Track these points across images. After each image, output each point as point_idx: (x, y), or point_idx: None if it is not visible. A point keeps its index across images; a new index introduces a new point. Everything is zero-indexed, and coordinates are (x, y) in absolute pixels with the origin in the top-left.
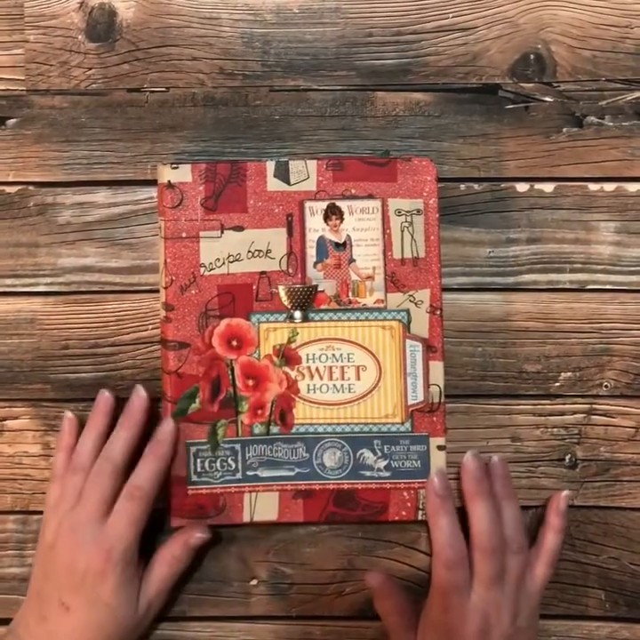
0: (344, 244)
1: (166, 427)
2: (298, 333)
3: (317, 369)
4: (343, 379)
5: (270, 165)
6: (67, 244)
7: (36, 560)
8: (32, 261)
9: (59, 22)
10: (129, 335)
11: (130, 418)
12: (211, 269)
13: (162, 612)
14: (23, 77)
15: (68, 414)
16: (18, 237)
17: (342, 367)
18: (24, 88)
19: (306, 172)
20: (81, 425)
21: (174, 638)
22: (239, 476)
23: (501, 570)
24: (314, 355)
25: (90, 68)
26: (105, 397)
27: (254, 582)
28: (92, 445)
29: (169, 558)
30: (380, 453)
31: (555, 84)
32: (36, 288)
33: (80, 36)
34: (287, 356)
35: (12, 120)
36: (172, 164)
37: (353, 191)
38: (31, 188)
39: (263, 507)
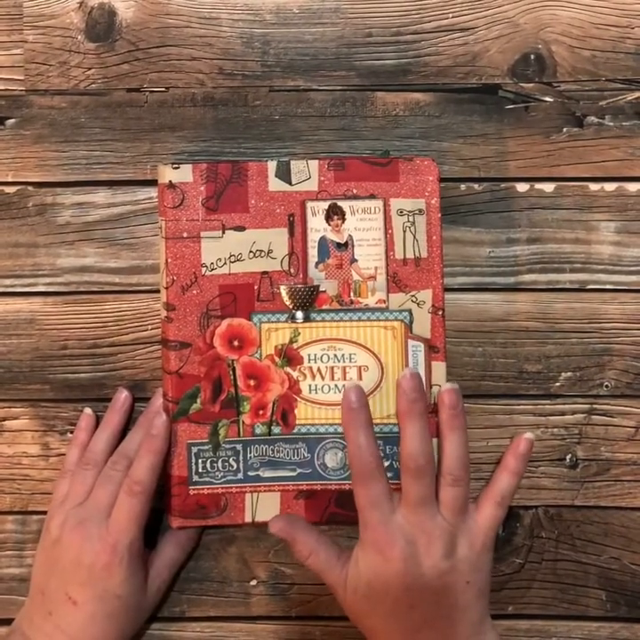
0: (346, 244)
1: (158, 420)
2: (299, 333)
3: (319, 369)
4: (345, 379)
5: (272, 165)
6: (66, 245)
7: (39, 556)
8: (31, 261)
9: (58, 22)
10: (128, 335)
11: (148, 418)
12: (212, 269)
13: (162, 612)
14: (22, 77)
15: (87, 410)
16: (17, 238)
17: (344, 367)
18: (23, 88)
19: (307, 172)
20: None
21: (174, 638)
22: (240, 476)
23: (429, 494)
24: (315, 355)
25: (89, 68)
26: (123, 396)
27: (254, 583)
28: (105, 443)
29: (183, 538)
30: (382, 454)
31: (555, 84)
32: (35, 288)
33: (79, 36)
34: (289, 356)
35: (11, 120)
36: (172, 164)
37: (355, 191)
38: (30, 188)
39: (265, 507)
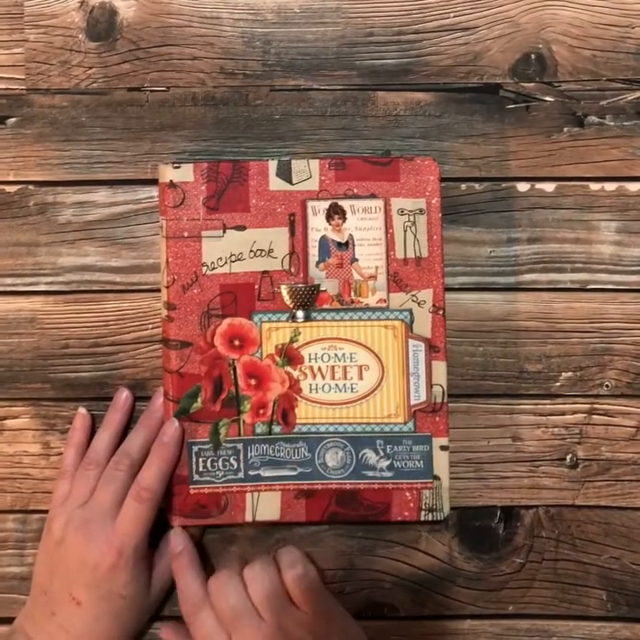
0: (346, 244)
1: (171, 428)
2: (300, 333)
3: (320, 368)
4: (345, 378)
5: (272, 165)
6: (67, 244)
7: (41, 556)
8: (32, 261)
9: (59, 21)
10: (129, 334)
11: (150, 417)
12: (213, 269)
13: (163, 611)
14: (23, 76)
15: (81, 410)
16: (18, 237)
17: (345, 367)
18: (24, 87)
19: (308, 172)
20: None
21: None
22: (241, 475)
23: (240, 603)
24: (316, 354)
25: (90, 68)
26: (124, 396)
27: None
28: (107, 442)
29: None
30: (382, 453)
31: (556, 84)
32: (36, 287)
33: (80, 35)
34: (289, 355)
35: (12, 119)
36: (173, 163)
37: (355, 191)
38: (31, 187)
39: (265, 506)
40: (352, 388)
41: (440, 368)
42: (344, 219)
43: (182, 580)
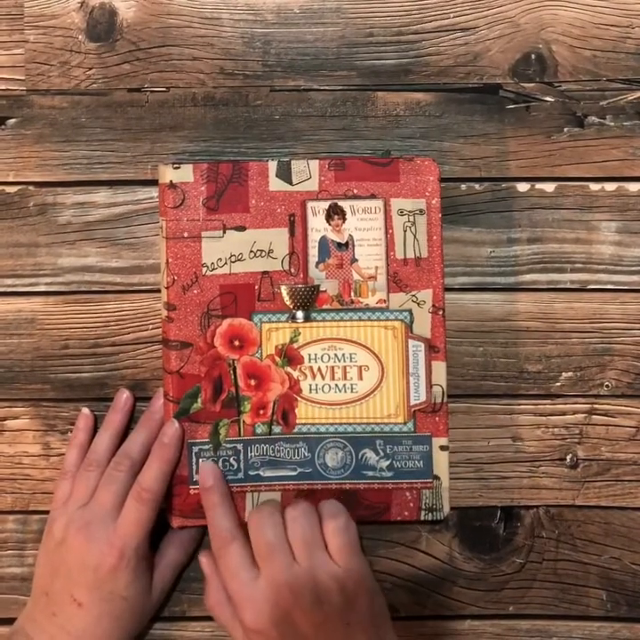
0: (346, 244)
1: (171, 428)
2: (300, 333)
3: (320, 369)
4: (345, 379)
5: (272, 165)
6: (67, 244)
7: (42, 558)
8: (32, 261)
9: (59, 22)
10: (129, 335)
11: (150, 418)
12: (213, 269)
13: (162, 612)
14: (23, 77)
15: (85, 410)
16: (18, 237)
17: (344, 367)
18: (24, 88)
19: (308, 172)
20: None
21: (175, 638)
22: (241, 475)
23: (278, 541)
24: (316, 355)
25: (90, 68)
26: (124, 396)
27: None
28: (108, 443)
29: (185, 540)
30: (382, 453)
31: (556, 84)
32: (36, 288)
33: (80, 36)
34: (289, 355)
35: (12, 120)
36: (173, 163)
37: (355, 191)
38: (31, 187)
39: None
40: (352, 389)
41: (440, 368)
42: (344, 219)
43: (212, 515)
